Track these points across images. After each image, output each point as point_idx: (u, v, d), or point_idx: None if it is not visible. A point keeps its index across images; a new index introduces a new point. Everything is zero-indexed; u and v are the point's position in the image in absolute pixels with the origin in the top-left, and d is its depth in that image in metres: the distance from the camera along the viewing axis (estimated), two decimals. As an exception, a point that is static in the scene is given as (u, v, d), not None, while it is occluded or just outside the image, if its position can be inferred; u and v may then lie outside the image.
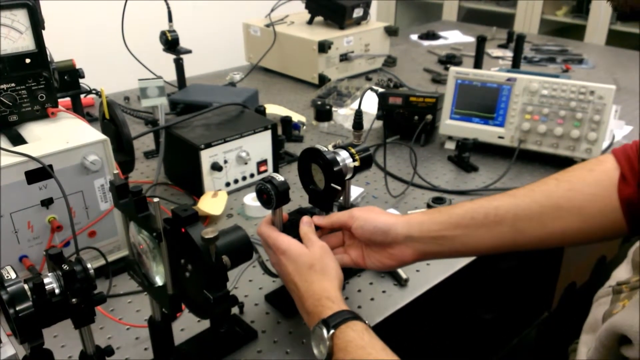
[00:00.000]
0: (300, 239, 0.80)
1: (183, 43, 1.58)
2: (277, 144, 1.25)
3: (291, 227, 0.83)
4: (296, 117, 1.51)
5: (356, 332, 0.66)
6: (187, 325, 0.84)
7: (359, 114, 1.20)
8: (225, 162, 1.17)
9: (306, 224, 0.81)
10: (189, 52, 1.58)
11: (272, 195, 0.78)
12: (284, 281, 0.79)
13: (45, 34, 0.91)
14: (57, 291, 0.59)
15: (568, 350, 0.92)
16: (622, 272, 0.74)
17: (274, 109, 1.54)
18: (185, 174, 1.21)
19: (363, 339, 0.65)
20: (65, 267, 0.59)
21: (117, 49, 1.57)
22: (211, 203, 1.11)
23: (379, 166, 1.32)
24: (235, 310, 0.86)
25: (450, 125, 1.38)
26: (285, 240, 0.78)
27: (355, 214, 0.82)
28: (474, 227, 0.77)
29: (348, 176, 0.84)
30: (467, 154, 1.33)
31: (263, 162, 1.24)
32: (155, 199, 0.61)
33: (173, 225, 0.65)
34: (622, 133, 1.50)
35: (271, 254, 0.80)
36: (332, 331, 0.66)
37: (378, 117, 1.44)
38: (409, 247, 0.79)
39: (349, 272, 0.96)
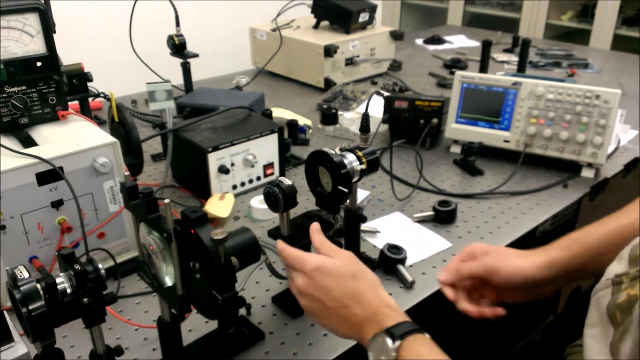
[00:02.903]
0: (307, 246, 0.80)
1: (190, 47, 1.59)
2: (283, 147, 1.25)
3: (298, 231, 0.84)
4: (302, 121, 1.52)
5: (426, 346, 0.63)
6: (195, 326, 0.85)
7: (366, 117, 1.21)
8: (232, 165, 1.17)
9: (317, 232, 0.77)
10: (196, 56, 1.59)
11: (279, 198, 0.79)
12: (320, 299, 0.71)
13: (54, 37, 0.92)
14: (68, 291, 0.60)
15: (564, 355, 0.92)
16: (615, 268, 0.74)
17: (280, 113, 1.55)
18: (192, 176, 1.22)
19: (433, 354, 0.62)
20: (77, 267, 0.59)
21: (124, 53, 1.59)
22: (218, 205, 1.12)
23: (385, 169, 1.32)
24: (242, 311, 0.87)
25: (456, 129, 1.39)
26: (314, 256, 0.73)
27: (490, 265, 0.81)
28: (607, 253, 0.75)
29: (355, 179, 0.85)
30: (472, 158, 1.33)
31: (269, 165, 1.24)
32: (166, 201, 0.62)
33: (183, 227, 0.65)
34: (627, 137, 1.50)
35: (298, 277, 0.74)
36: (397, 342, 0.62)
37: (384, 121, 1.44)
38: (553, 285, 0.80)
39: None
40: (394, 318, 0.66)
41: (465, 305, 0.82)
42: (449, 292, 0.84)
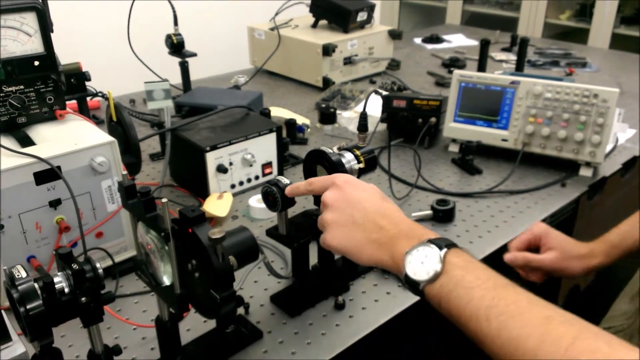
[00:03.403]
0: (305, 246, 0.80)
1: (188, 46, 1.59)
2: (281, 147, 1.25)
3: (297, 230, 0.84)
4: (300, 120, 1.52)
5: (471, 257, 0.63)
6: (194, 326, 0.85)
7: (364, 117, 1.21)
8: (231, 164, 1.17)
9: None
10: (194, 55, 1.59)
11: (277, 198, 0.79)
12: (350, 213, 0.71)
13: (52, 36, 0.92)
14: (66, 290, 0.60)
15: None
16: None
17: (278, 112, 1.55)
18: (190, 175, 1.22)
19: (481, 265, 0.63)
20: (74, 266, 0.60)
21: (122, 52, 1.59)
22: (216, 205, 1.12)
23: (383, 168, 1.32)
24: (241, 310, 0.87)
25: (454, 128, 1.39)
26: (344, 174, 0.77)
27: (555, 267, 0.95)
28: None
29: (353, 178, 0.85)
30: (470, 157, 1.33)
31: (268, 164, 1.24)
32: (164, 200, 0.62)
33: (181, 226, 0.65)
34: (625, 136, 1.50)
35: (327, 192, 0.73)
36: (444, 250, 0.62)
37: (382, 120, 1.44)
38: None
39: (353, 274, 0.96)
40: (433, 234, 0.66)
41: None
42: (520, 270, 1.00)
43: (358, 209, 0.70)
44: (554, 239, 0.97)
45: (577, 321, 0.53)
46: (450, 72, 1.95)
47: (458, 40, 2.52)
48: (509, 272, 0.98)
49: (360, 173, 0.85)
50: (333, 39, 1.85)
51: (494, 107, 1.34)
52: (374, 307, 0.89)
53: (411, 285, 0.64)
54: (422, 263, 0.63)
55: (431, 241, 0.64)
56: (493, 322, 0.56)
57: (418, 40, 2.52)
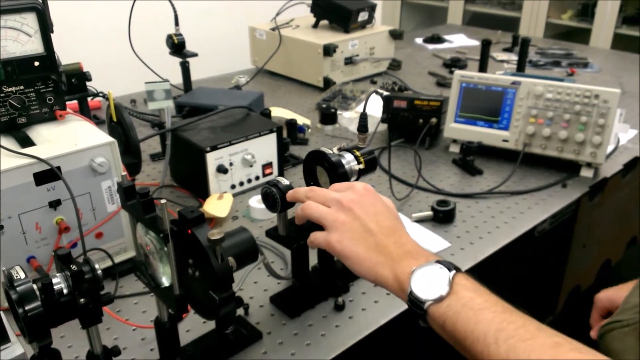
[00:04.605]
0: (305, 247, 0.79)
1: (189, 46, 1.59)
2: (282, 147, 1.25)
3: (297, 230, 0.84)
4: (301, 120, 1.52)
5: (477, 283, 0.63)
6: (193, 327, 0.85)
7: (364, 117, 1.21)
8: (231, 164, 1.17)
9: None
10: (195, 55, 1.59)
11: (277, 198, 0.79)
12: (364, 219, 0.70)
13: (52, 37, 0.92)
14: (65, 291, 0.60)
15: (600, 334, 0.96)
16: None
17: (279, 112, 1.55)
18: (191, 176, 1.22)
19: (489, 290, 0.62)
20: (73, 267, 0.59)
21: (123, 52, 1.59)
22: (217, 205, 1.12)
23: (384, 169, 1.32)
24: (240, 311, 0.87)
25: (455, 129, 1.39)
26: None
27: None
28: None
29: (353, 178, 0.85)
30: (471, 157, 1.33)
31: (268, 165, 1.24)
32: (163, 201, 0.62)
33: (180, 227, 0.65)
34: (626, 137, 1.50)
35: (346, 194, 0.73)
36: (453, 271, 0.62)
37: (383, 120, 1.44)
38: None
39: (352, 275, 0.96)
40: (440, 258, 0.66)
41: None
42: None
43: (373, 220, 0.70)
44: (619, 299, 0.98)
45: (586, 349, 0.53)
46: (451, 72, 1.95)
47: (459, 41, 2.52)
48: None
49: (360, 174, 0.85)
50: (334, 39, 1.85)
51: (495, 108, 1.34)
52: (374, 308, 0.89)
53: (414, 303, 0.63)
54: (429, 282, 0.62)
55: (439, 262, 0.64)
56: (502, 345, 0.56)
57: (419, 41, 2.52)
